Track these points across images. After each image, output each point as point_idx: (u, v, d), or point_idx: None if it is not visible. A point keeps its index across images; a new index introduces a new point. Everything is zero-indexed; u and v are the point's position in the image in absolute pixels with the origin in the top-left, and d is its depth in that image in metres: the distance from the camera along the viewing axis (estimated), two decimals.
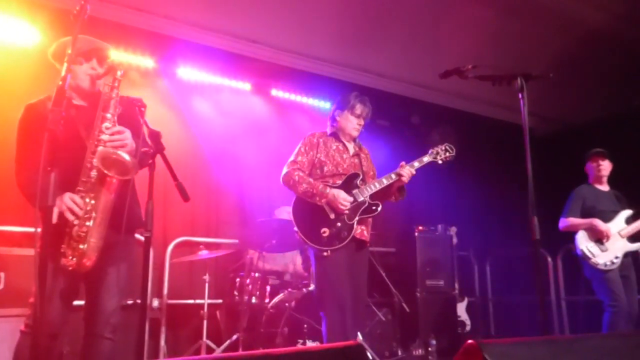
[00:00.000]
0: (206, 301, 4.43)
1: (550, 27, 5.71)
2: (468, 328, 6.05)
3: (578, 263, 4.42)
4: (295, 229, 3.21)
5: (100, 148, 2.25)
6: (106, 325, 2.38)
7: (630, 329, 4.12)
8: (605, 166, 4.54)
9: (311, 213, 3.21)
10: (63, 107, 1.69)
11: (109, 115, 2.33)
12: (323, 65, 6.06)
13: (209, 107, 5.69)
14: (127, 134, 2.34)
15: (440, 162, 3.46)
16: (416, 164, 3.37)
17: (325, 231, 3.14)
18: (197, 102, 5.64)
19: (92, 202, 2.24)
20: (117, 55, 4.96)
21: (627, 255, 4.30)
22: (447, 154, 3.47)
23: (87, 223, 2.22)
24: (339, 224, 3.17)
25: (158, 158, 2.19)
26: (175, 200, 2.14)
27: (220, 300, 4.96)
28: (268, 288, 4.47)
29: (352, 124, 3.44)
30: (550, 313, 6.10)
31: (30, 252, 3.57)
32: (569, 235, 4.46)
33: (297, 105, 6.36)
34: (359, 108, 3.42)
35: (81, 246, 2.21)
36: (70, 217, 2.21)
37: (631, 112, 6.53)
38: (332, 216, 3.18)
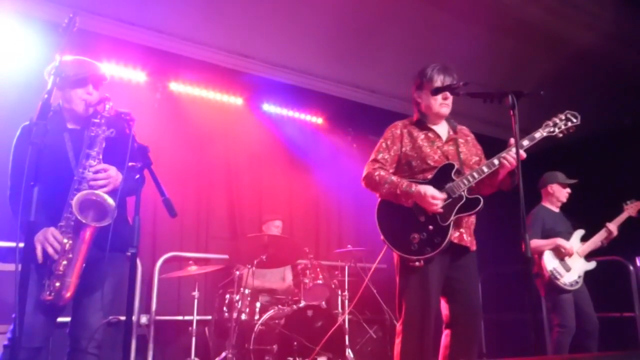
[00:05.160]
0: (195, 318, 4.38)
1: (541, 45, 5.77)
2: None
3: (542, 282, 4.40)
4: (382, 237, 2.83)
5: (81, 190, 2.29)
6: (91, 340, 2.38)
7: (590, 344, 4.22)
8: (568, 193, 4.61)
9: (398, 216, 2.78)
10: (47, 119, 1.67)
11: (93, 153, 2.38)
12: (315, 80, 6.07)
13: (200, 122, 5.66)
14: (112, 171, 2.38)
15: (560, 135, 2.86)
16: (525, 142, 2.77)
17: (415, 237, 2.70)
18: (189, 116, 5.62)
19: (70, 242, 2.28)
20: (109, 68, 4.94)
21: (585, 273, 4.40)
22: (570, 123, 2.86)
23: (64, 262, 2.26)
24: (430, 227, 2.71)
25: (146, 173, 2.18)
26: (165, 215, 2.11)
27: (209, 317, 4.89)
28: (258, 305, 4.41)
29: (437, 101, 2.88)
30: (542, 332, 6.06)
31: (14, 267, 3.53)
32: None
33: (289, 120, 6.37)
34: (438, 80, 2.85)
35: (57, 284, 2.26)
36: (50, 252, 2.25)
37: (621, 130, 6.57)
38: (423, 219, 2.73)
